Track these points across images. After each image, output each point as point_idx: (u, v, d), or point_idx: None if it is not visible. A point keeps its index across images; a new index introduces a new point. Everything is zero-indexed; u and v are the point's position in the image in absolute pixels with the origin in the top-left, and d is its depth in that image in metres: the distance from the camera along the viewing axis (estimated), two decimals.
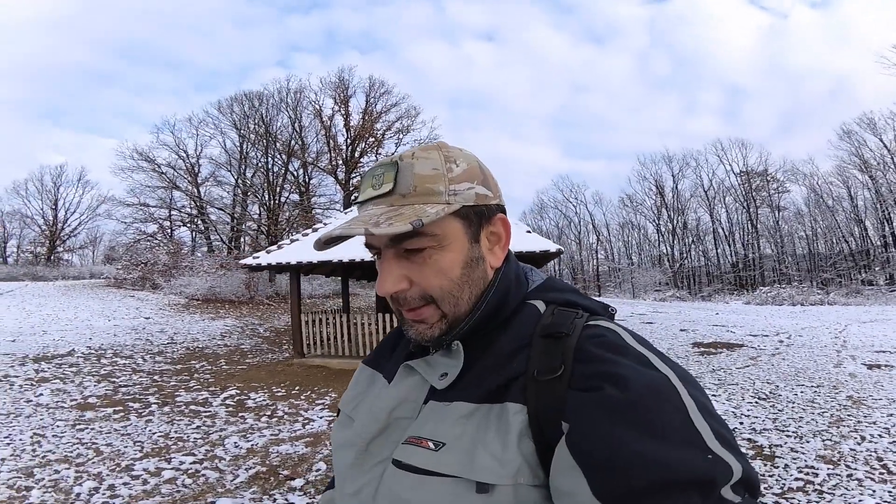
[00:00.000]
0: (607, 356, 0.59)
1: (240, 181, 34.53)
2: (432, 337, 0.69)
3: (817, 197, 40.78)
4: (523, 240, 8.95)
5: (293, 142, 34.29)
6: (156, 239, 33.01)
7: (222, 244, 34.07)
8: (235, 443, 5.26)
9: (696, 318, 16.12)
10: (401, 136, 35.72)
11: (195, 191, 33.85)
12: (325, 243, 0.68)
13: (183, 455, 4.91)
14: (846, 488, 3.78)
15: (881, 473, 4.02)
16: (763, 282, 39.06)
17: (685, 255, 46.49)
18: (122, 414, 6.40)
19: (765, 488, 3.85)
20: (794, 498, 3.66)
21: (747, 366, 8.32)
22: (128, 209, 32.43)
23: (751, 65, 74.55)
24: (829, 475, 4.02)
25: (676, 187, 47.28)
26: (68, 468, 4.68)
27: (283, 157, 33.68)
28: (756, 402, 6.06)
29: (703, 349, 10.05)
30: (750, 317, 16.15)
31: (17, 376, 8.07)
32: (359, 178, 34.21)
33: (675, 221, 46.90)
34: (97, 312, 18.03)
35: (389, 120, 35.76)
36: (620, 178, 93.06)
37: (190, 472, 4.53)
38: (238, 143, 34.86)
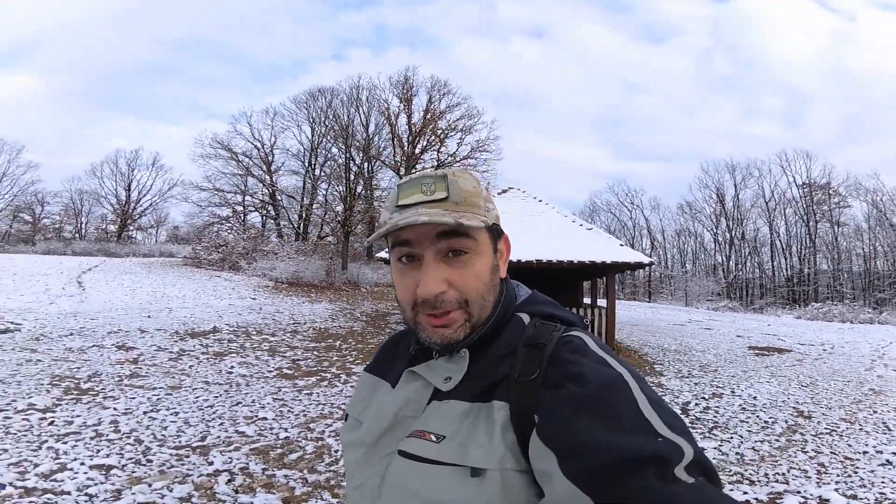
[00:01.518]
0: (571, 358, 0.73)
1: (310, 172, 37.53)
2: (456, 340, 0.80)
3: (880, 214, 41.37)
4: (617, 252, 11.15)
5: (363, 138, 36.86)
6: (228, 222, 36.33)
7: (291, 230, 37.16)
8: None
9: (750, 327, 18.14)
10: (462, 135, 37.77)
11: (268, 179, 37.05)
12: (390, 234, 0.80)
13: None
14: (857, 435, 6.02)
15: (883, 430, 6.26)
16: (816, 297, 40.00)
17: (741, 266, 47.64)
18: (327, 381, 7.94)
19: (804, 431, 6.10)
20: (823, 438, 5.92)
21: (794, 365, 10.47)
22: (203, 193, 35.82)
23: (815, 68, 73.61)
24: (846, 428, 6.28)
25: (738, 197, 48.31)
26: (337, 421, 5.79)
27: (359, 152, 36.16)
28: (799, 388, 8.29)
29: (757, 351, 12.24)
30: (800, 329, 18.07)
31: (192, 350, 9.61)
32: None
33: (734, 232, 48.03)
34: (200, 291, 20.83)
35: (450, 119, 37.86)
36: (677, 182, 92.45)
37: None
38: (310, 136, 37.88)
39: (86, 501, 3.98)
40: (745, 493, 4.33)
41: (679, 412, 6.70)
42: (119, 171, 44.64)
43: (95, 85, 73.12)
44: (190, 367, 8.59)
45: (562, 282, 14.52)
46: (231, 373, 8.38)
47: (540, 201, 14.83)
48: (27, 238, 41.09)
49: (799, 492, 4.39)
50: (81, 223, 45.32)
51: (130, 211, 44.29)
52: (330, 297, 22.48)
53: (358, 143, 36.04)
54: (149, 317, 13.64)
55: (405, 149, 37.53)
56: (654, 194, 75.32)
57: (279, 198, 37.39)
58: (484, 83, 75.42)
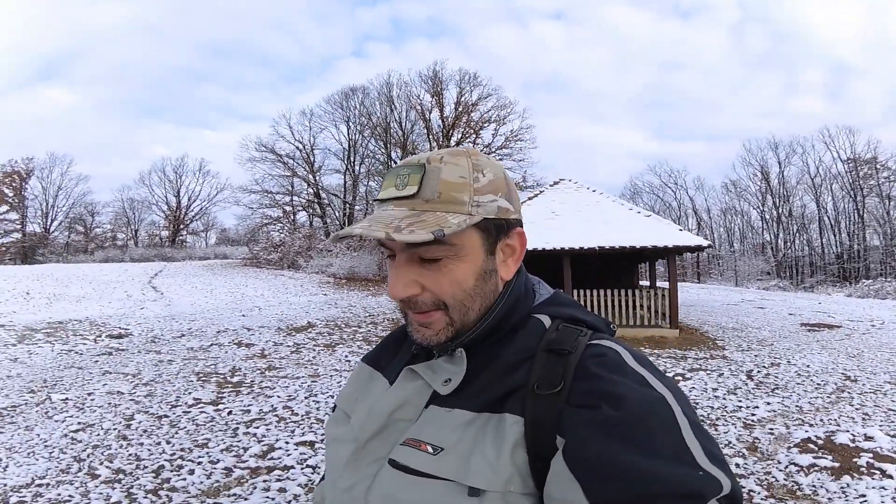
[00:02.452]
0: (606, 375, 0.66)
1: (350, 169, 39.42)
2: (437, 343, 0.76)
3: None
4: (677, 236, 12.36)
5: (399, 134, 38.40)
6: (280, 223, 38.46)
7: (337, 227, 39.10)
8: None
9: (801, 305, 19.22)
10: (497, 126, 38.95)
11: (312, 178, 39.06)
12: (341, 238, 0.74)
13: None
14: None
15: None
16: (868, 274, 40.31)
17: (789, 244, 47.99)
18: None
19: (851, 391, 7.45)
20: (867, 395, 7.24)
21: (842, 339, 11.64)
22: (253, 196, 38.01)
23: (854, 39, 72.50)
24: (890, 388, 7.57)
25: (782, 174, 48.72)
26: None
27: (396, 148, 37.82)
28: (847, 358, 9.54)
29: (809, 328, 13.42)
30: (850, 307, 19.03)
31: (304, 344, 10.81)
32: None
33: (780, 209, 48.42)
34: (273, 290, 22.65)
35: (482, 110, 39.08)
36: (720, 161, 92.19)
37: None
38: (347, 135, 39.74)
39: (311, 472, 4.75)
40: (806, 431, 5.68)
41: (745, 377, 8.11)
42: (167, 179, 48.43)
43: (131, 94, 78.22)
44: (314, 357, 9.89)
45: (619, 266, 15.84)
46: (349, 361, 9.59)
47: (594, 191, 15.96)
48: (84, 248, 44.24)
49: (848, 431, 5.76)
50: (134, 230, 48.84)
51: (182, 216, 47.28)
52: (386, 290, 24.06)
53: (395, 140, 37.68)
54: (244, 315, 15.36)
55: (440, 143, 38.98)
56: (698, 174, 75.49)
57: (323, 196, 39.38)
58: (510, 70, 76.31)
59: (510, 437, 0.66)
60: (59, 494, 4.35)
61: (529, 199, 16.10)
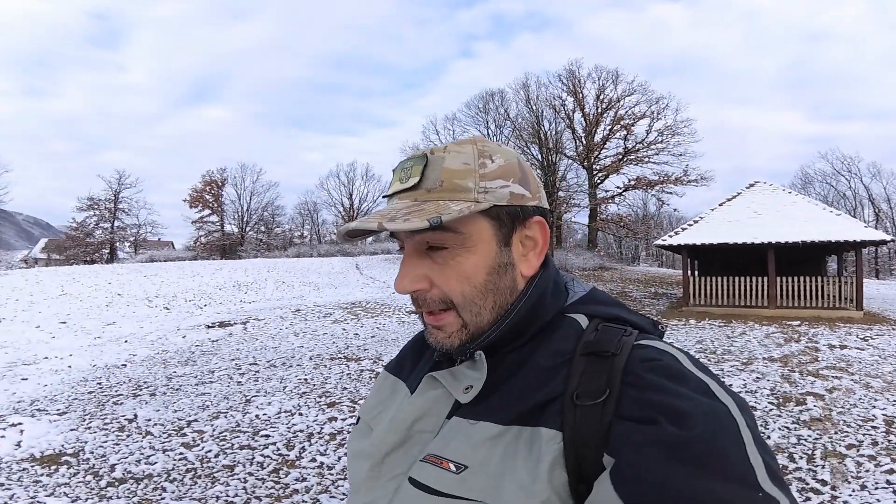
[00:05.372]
0: (663, 384, 0.61)
1: None
2: (451, 347, 0.73)
3: None
4: (864, 232, 15.30)
5: (546, 135, 41.25)
6: None
7: None
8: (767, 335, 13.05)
9: None
10: (650, 122, 40.49)
11: None
12: (348, 235, 0.74)
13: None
14: None
15: None
16: None
17: None
18: None
19: None
20: None
21: None
22: None
23: None
24: None
25: None
26: None
27: (542, 148, 40.78)
28: None
29: None
30: None
31: None
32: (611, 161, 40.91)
33: None
34: None
35: (627, 106, 40.97)
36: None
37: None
38: (492, 138, 43.50)
39: None
40: None
41: None
42: (342, 183, 57.99)
43: (276, 108, 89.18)
44: None
45: (808, 258, 18.93)
46: None
47: (789, 192, 18.71)
48: (269, 245, 53.04)
49: None
50: (317, 229, 59.31)
51: (354, 216, 55.85)
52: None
53: (540, 140, 40.23)
54: None
55: (584, 141, 41.70)
56: (873, 159, 71.50)
57: None
58: (626, 56, 75.57)
59: (547, 455, 0.61)
60: None
61: (728, 199, 19.05)
